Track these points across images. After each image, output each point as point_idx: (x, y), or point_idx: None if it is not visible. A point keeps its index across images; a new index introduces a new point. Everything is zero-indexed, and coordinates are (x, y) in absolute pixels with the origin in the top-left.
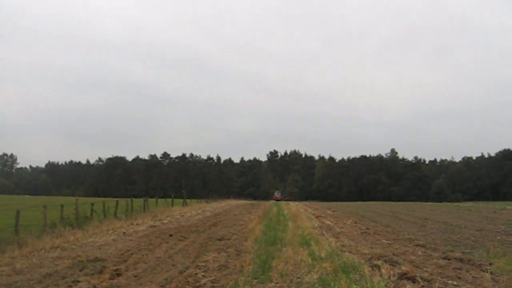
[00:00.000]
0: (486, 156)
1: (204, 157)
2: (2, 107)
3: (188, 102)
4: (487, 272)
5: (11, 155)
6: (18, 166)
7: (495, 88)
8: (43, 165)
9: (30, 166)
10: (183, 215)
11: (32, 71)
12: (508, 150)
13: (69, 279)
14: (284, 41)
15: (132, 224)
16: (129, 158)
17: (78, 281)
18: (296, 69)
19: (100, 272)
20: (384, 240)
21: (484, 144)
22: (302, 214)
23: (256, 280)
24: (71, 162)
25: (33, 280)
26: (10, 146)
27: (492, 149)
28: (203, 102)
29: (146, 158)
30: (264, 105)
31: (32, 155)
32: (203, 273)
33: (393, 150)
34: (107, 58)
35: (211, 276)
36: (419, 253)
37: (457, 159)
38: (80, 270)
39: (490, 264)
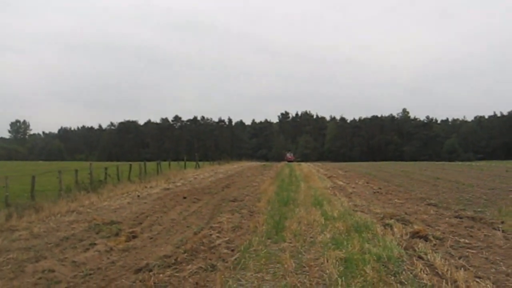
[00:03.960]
0: (499, 115)
1: (216, 119)
2: (14, 74)
3: (198, 66)
4: (499, 230)
5: (24, 122)
6: (31, 133)
7: (506, 45)
8: (55, 131)
9: (43, 132)
10: (196, 178)
11: (43, 38)
12: None
13: (86, 242)
14: (293, 2)
15: (146, 187)
16: (141, 122)
17: (95, 244)
18: (305, 31)
19: (116, 234)
20: (396, 200)
21: (497, 103)
22: (314, 174)
23: (269, 240)
24: (83, 127)
25: (51, 244)
26: (23, 112)
27: (504, 108)
28: (213, 65)
29: (158, 121)
30: (275, 67)
31: (44, 121)
32: (217, 234)
33: (404, 110)
34: (117, 22)
35: (225, 237)
36: (431, 212)
37: (469, 118)
38: (97, 233)
39: (502, 222)
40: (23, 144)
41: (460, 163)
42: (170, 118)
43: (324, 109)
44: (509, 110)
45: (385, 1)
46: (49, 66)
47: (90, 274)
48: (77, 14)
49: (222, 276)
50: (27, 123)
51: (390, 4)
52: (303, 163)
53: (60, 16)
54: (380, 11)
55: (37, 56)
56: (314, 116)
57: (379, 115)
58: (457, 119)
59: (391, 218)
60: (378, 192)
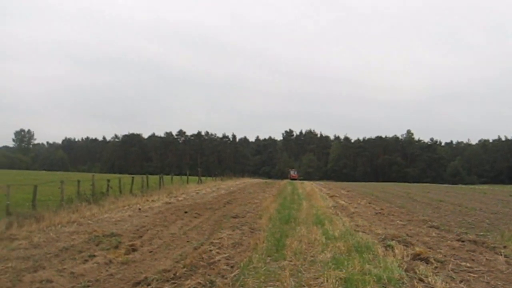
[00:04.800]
0: (503, 139)
1: (220, 135)
2: (20, 84)
3: (204, 81)
4: (501, 255)
5: (28, 131)
6: (35, 142)
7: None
8: (59, 141)
9: (47, 142)
10: (198, 193)
11: (49, 49)
12: None
13: (85, 253)
14: (298, 21)
15: (147, 200)
16: (145, 135)
17: (94, 255)
18: (310, 50)
19: (116, 247)
20: (398, 221)
21: (501, 127)
22: (316, 193)
23: (270, 258)
24: (87, 138)
25: (50, 254)
26: (28, 122)
27: (509, 132)
28: (219, 82)
29: (162, 135)
30: (280, 85)
31: (49, 131)
32: (217, 250)
33: (409, 131)
34: (124, 36)
35: (225, 253)
36: (433, 234)
37: (474, 141)
38: (96, 245)
39: (504, 247)
40: (27, 153)
41: (463, 186)
42: (174, 132)
43: (328, 128)
44: None
45: (391, 21)
46: (56, 77)
47: (88, 286)
48: (86, 26)
49: None
50: (32, 133)
51: (396, 25)
52: (306, 182)
53: (69, 27)
54: (386, 32)
55: (43, 67)
56: (318, 135)
57: (383, 136)
58: (461, 142)
59: (392, 240)
60: (380, 213)
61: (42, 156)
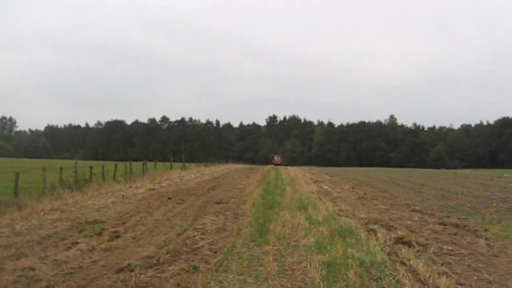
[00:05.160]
0: (485, 123)
1: (203, 121)
2: (1, 71)
3: (187, 67)
4: (482, 238)
5: (10, 118)
6: (17, 129)
7: (494, 57)
8: (42, 129)
9: (29, 130)
10: (181, 179)
11: (31, 35)
12: (507, 118)
13: (68, 240)
14: (284, 7)
15: (131, 187)
16: (129, 121)
17: (77, 243)
18: (296, 36)
19: (99, 234)
20: (381, 205)
21: (483, 112)
22: (300, 178)
23: (253, 243)
24: (70, 125)
25: (33, 242)
26: (9, 109)
27: (491, 117)
28: (203, 68)
29: (145, 122)
30: (264, 71)
31: (31, 118)
32: (201, 236)
33: (392, 117)
34: (106, 22)
35: (208, 239)
36: (416, 218)
37: (456, 126)
38: (79, 232)
39: (485, 230)
40: (9, 141)
41: (445, 170)
42: (158, 119)
43: (312, 114)
44: (495, 119)
45: (376, 8)
46: (38, 63)
47: (71, 273)
48: (67, 11)
49: (204, 278)
50: (14, 120)
51: (381, 12)
52: (289, 167)
53: (49, 13)
54: (371, 19)
55: (25, 53)
56: (302, 121)
57: (367, 121)
58: (444, 127)
59: (375, 224)
60: (363, 197)
61: (24, 143)
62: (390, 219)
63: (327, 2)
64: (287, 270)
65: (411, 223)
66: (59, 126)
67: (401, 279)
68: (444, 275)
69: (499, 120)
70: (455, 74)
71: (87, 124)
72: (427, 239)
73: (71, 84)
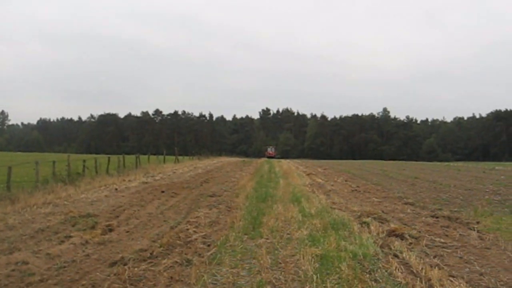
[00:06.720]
0: (478, 116)
1: (197, 114)
2: None
3: (180, 60)
4: (474, 230)
5: (2, 112)
6: (10, 123)
7: (487, 50)
8: (34, 122)
9: (22, 123)
10: (175, 172)
11: (23, 28)
12: (499, 111)
13: (61, 234)
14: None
15: (124, 180)
16: (121, 115)
17: (71, 236)
18: (289, 28)
19: (92, 227)
20: (374, 198)
21: (476, 105)
22: (293, 171)
23: (246, 236)
24: (62, 119)
25: (26, 235)
26: (1, 102)
27: (483, 110)
28: (196, 60)
29: (138, 115)
30: (257, 63)
31: (23, 112)
32: (194, 229)
33: (385, 110)
34: (99, 14)
35: (202, 232)
36: (408, 211)
37: (449, 119)
38: (72, 226)
39: (477, 222)
40: (1, 135)
41: (438, 163)
42: (150, 112)
43: (305, 107)
44: (487, 112)
45: (370, 0)
46: (30, 56)
47: (65, 267)
48: (60, 3)
49: (197, 271)
50: (6, 113)
51: (375, 4)
52: (283, 160)
53: (41, 5)
54: (365, 10)
55: (17, 46)
56: (295, 113)
57: (360, 114)
58: (437, 120)
59: (368, 216)
60: (356, 190)
61: (16, 137)
62: (383, 212)
63: None
64: (280, 263)
65: (404, 215)
66: (51, 120)
67: (394, 271)
68: (436, 267)
69: (491, 113)
70: (448, 67)
71: (79, 118)
72: (419, 232)
73: (63, 77)
